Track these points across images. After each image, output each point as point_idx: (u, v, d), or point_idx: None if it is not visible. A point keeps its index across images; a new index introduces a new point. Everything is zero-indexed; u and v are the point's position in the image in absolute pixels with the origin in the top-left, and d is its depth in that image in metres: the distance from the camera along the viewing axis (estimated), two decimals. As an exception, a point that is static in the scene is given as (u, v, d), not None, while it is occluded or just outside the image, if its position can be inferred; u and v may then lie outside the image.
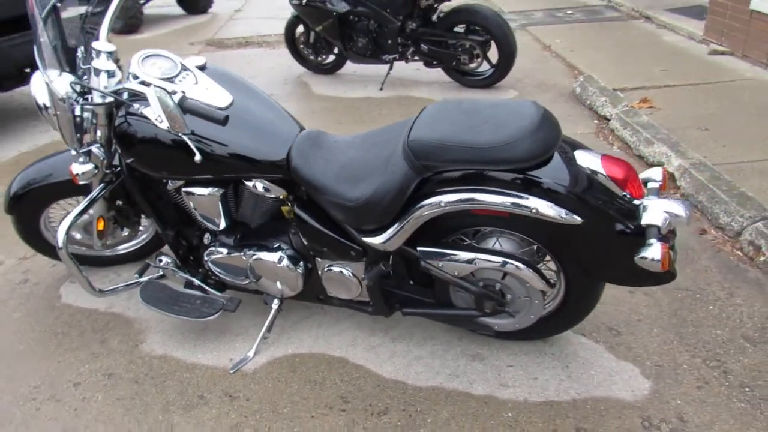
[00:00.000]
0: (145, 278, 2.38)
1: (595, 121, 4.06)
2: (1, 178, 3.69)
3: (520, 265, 1.85)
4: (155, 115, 1.72)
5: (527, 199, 1.69)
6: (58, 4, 2.10)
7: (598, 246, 1.76)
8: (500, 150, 1.65)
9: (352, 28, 4.87)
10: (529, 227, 1.82)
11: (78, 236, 2.62)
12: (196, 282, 2.32)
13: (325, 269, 2.11)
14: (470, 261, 1.88)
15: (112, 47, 2.05)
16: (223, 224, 2.14)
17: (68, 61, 2.14)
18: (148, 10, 8.71)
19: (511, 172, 1.70)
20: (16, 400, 2.12)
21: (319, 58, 5.47)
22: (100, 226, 2.42)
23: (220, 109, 1.85)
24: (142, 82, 1.88)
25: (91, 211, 2.42)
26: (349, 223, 1.93)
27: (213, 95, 1.91)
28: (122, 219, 2.54)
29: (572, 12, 7.02)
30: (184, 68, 1.97)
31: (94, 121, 2.08)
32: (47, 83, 1.92)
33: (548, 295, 2.05)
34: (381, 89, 5.01)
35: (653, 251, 1.61)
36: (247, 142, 1.98)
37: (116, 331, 2.42)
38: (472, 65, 4.71)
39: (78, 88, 2.01)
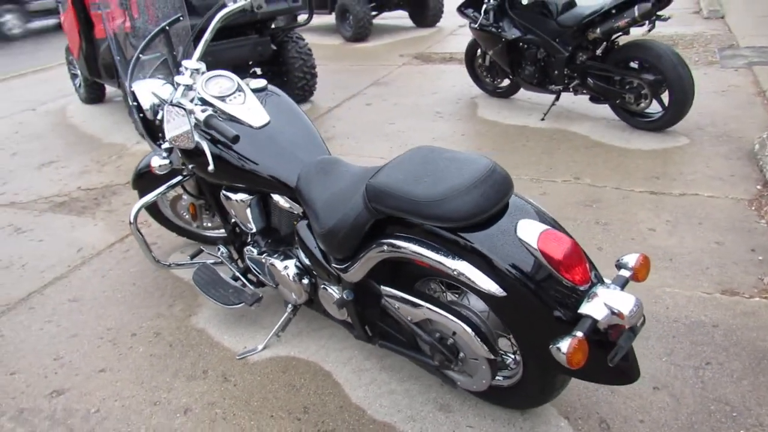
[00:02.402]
0: (199, 261, 2.78)
1: (758, 187, 3.45)
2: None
3: (462, 324, 1.78)
4: (167, 129, 2.04)
5: (456, 260, 1.65)
6: (167, 28, 2.57)
7: (528, 326, 1.63)
8: (430, 205, 1.63)
9: (522, 55, 4.81)
10: (475, 289, 1.75)
11: (186, 216, 3.14)
12: (237, 273, 2.65)
13: (321, 286, 2.25)
14: (419, 308, 1.87)
15: (199, 65, 2.43)
16: (253, 227, 2.42)
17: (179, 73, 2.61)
18: (379, 21, 9.50)
19: (446, 229, 1.67)
20: (90, 336, 2.67)
21: (495, 81, 5.48)
22: (192, 210, 2.89)
23: (255, 128, 2.11)
24: (202, 99, 2.23)
25: (185, 197, 2.91)
26: (323, 248, 2.06)
27: (252, 115, 2.16)
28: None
29: (826, 53, 5.88)
30: (239, 89, 2.26)
31: (173, 124, 2.51)
32: (126, 91, 2.39)
33: (501, 363, 1.94)
34: (542, 119, 4.86)
35: (564, 343, 1.46)
36: (268, 161, 2.21)
37: (184, 300, 2.87)
38: (641, 105, 4.31)
39: (162, 96, 2.44)
